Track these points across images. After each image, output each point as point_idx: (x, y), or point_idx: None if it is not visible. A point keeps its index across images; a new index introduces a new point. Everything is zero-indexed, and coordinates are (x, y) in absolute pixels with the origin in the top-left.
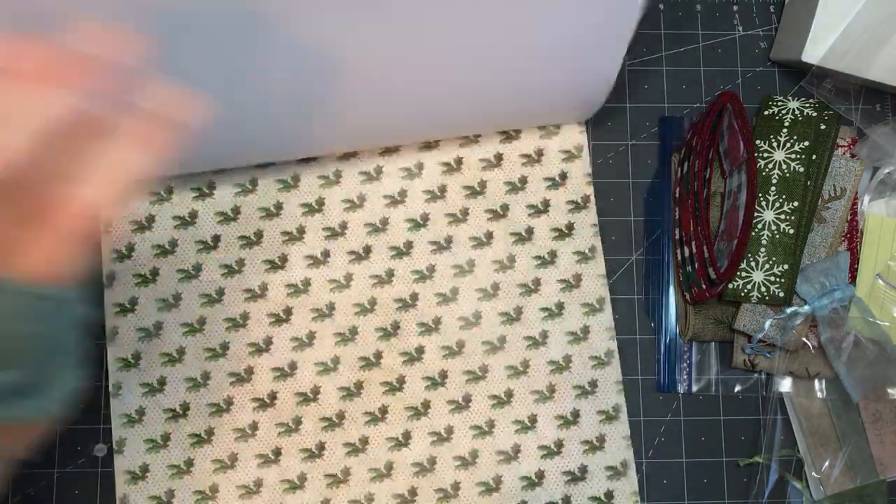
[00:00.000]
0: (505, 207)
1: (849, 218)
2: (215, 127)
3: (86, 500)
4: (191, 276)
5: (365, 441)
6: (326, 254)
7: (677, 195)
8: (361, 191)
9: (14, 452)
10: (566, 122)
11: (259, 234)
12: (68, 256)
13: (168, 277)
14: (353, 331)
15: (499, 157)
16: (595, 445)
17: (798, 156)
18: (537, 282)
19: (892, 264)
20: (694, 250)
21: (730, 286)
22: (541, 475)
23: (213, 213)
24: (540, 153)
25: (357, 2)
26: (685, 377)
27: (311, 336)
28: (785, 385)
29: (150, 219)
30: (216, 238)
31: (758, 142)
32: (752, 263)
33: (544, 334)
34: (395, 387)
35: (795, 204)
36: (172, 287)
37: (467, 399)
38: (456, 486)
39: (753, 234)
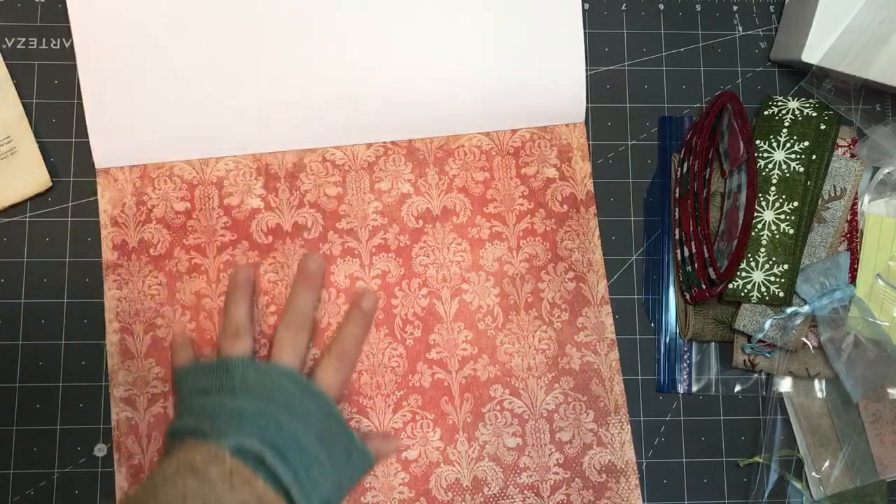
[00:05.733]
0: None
1: (849, 218)
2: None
3: (86, 500)
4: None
5: None
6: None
7: (677, 195)
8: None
9: None
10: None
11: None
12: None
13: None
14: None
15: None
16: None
17: (798, 156)
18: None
19: (892, 264)
20: (694, 250)
21: (730, 286)
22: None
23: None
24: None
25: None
26: (685, 377)
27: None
28: (785, 385)
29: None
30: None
31: (758, 142)
32: (752, 263)
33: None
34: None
35: (795, 204)
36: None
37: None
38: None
39: (753, 234)
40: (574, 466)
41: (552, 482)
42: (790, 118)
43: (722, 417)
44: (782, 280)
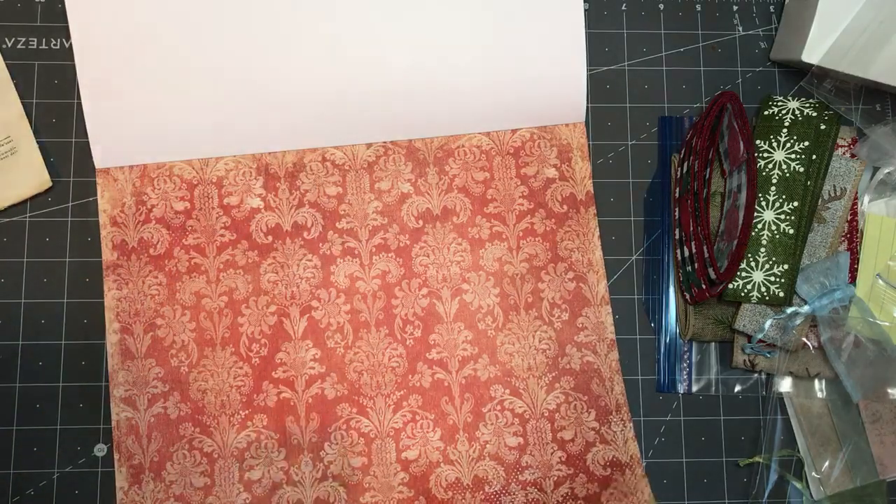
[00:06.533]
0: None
1: (849, 218)
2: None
3: (86, 500)
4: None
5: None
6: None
7: (677, 195)
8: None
9: None
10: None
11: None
12: None
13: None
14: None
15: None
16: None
17: (798, 156)
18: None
19: (892, 264)
20: (694, 250)
21: (730, 286)
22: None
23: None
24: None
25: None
26: (685, 377)
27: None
28: (785, 385)
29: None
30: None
31: (758, 142)
32: (752, 263)
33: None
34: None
35: (795, 204)
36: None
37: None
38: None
39: (753, 234)
40: (577, 463)
41: (555, 478)
42: (790, 118)
43: (722, 417)
44: (782, 280)
